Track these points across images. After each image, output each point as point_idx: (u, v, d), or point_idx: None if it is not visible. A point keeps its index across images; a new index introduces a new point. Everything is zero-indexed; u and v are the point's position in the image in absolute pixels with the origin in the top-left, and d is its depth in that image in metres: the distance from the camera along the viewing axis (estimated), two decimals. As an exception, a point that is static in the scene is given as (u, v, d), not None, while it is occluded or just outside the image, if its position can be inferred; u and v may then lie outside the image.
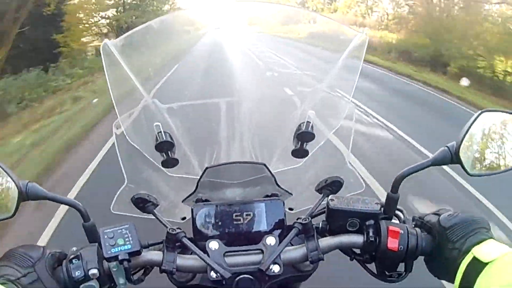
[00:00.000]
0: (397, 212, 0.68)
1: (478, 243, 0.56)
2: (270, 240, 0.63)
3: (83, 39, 13.75)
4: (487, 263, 0.52)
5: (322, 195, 0.74)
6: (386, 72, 12.14)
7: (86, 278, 0.57)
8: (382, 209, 0.66)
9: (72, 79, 10.84)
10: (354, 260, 0.68)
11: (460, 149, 0.62)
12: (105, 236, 0.60)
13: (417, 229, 0.64)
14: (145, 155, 0.73)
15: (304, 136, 0.73)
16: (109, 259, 0.59)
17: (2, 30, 9.77)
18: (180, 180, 0.76)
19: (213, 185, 0.73)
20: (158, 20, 0.73)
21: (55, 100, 8.84)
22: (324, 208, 0.69)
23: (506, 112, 0.65)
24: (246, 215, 0.68)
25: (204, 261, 0.60)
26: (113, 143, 0.72)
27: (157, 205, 0.74)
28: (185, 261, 0.63)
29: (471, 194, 3.80)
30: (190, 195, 0.72)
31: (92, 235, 0.64)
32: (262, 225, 0.67)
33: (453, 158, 0.63)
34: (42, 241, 3.01)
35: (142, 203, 0.73)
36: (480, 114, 0.63)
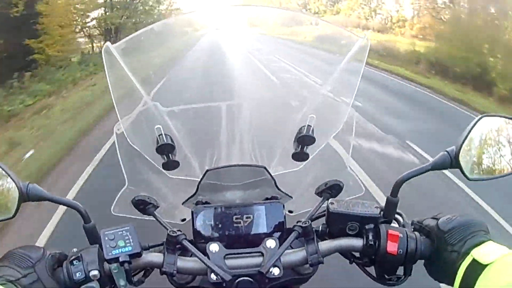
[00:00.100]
0: (397, 216, 0.68)
1: (477, 245, 0.56)
2: (270, 243, 0.63)
3: (63, 44, 11.52)
4: (486, 265, 0.53)
5: (322, 198, 0.74)
6: (420, 89, 9.80)
7: (87, 279, 0.58)
8: (382, 213, 0.67)
9: (35, 98, 8.47)
10: (354, 263, 0.68)
11: (460, 153, 0.62)
12: (106, 238, 0.60)
13: (416, 233, 0.64)
14: (145, 157, 0.73)
15: (304, 139, 0.73)
16: (110, 261, 0.59)
17: None
18: (180, 182, 0.77)
19: (214, 187, 0.73)
20: (160, 24, 0.74)
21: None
22: (324, 211, 0.69)
23: (506, 117, 0.65)
24: (246, 217, 0.68)
25: (204, 263, 0.61)
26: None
27: (158, 207, 0.75)
28: (185, 263, 0.63)
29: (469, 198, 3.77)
30: (190, 197, 0.72)
31: (93, 237, 0.64)
32: (262, 228, 0.68)
33: (453, 162, 0.63)
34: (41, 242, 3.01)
35: (143, 205, 0.74)
36: (480, 119, 0.63)
